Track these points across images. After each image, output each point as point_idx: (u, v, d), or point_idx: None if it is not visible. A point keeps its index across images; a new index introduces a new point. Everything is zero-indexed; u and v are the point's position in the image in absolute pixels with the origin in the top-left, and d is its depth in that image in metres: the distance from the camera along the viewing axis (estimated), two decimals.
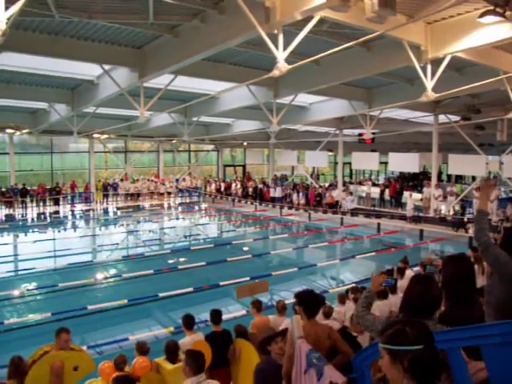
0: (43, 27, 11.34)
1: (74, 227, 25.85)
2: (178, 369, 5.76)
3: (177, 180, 34.57)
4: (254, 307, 6.98)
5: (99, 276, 14.48)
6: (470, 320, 3.17)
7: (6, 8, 6.02)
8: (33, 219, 26.55)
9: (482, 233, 3.75)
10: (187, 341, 6.17)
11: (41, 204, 28.10)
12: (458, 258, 4.09)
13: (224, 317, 6.75)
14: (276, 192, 29.45)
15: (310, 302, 4.50)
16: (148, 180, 32.65)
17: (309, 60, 9.49)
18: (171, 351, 5.93)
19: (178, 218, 28.65)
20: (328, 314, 6.97)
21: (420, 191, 26.67)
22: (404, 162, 26.18)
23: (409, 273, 9.76)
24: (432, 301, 3.21)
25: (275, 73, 8.78)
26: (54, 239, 21.49)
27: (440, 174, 31.12)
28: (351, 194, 26.40)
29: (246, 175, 36.78)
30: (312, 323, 4.41)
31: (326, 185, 31.02)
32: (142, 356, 5.85)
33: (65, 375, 5.18)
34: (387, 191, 27.05)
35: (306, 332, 4.09)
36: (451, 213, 22.47)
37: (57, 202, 28.53)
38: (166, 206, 31.77)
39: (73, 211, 28.73)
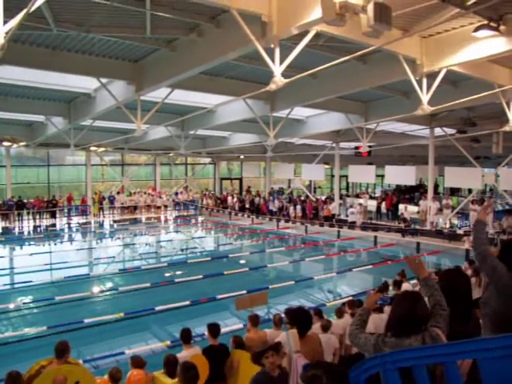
0: (41, 41, 11.41)
1: (71, 240, 25.71)
2: None
3: (176, 194, 34.59)
4: (249, 321, 6.94)
5: (96, 289, 14.40)
6: (466, 334, 3.17)
7: (5, 22, 6.06)
8: (29, 232, 26.42)
9: (479, 242, 3.77)
10: (184, 355, 6.10)
11: (37, 217, 27.94)
12: (454, 272, 4.10)
13: (221, 330, 6.69)
14: (273, 205, 29.48)
15: (302, 322, 4.48)
16: (145, 193, 32.61)
17: (305, 74, 9.51)
18: (171, 365, 5.71)
19: (174, 231, 28.57)
20: (326, 328, 6.93)
21: (416, 204, 26.70)
22: (400, 175, 26.22)
23: (406, 286, 9.76)
24: (417, 318, 3.20)
25: (272, 86, 8.81)
26: (50, 252, 21.34)
27: (437, 186, 31.19)
28: (360, 205, 26.24)
29: (246, 188, 36.71)
30: (305, 339, 4.39)
31: (323, 198, 31.05)
32: (137, 369, 5.77)
33: None
34: (384, 204, 27.09)
35: (303, 349, 4.07)
36: (447, 225, 22.52)
37: (53, 215, 28.39)
38: (162, 219, 31.70)
39: (69, 224, 28.61)
